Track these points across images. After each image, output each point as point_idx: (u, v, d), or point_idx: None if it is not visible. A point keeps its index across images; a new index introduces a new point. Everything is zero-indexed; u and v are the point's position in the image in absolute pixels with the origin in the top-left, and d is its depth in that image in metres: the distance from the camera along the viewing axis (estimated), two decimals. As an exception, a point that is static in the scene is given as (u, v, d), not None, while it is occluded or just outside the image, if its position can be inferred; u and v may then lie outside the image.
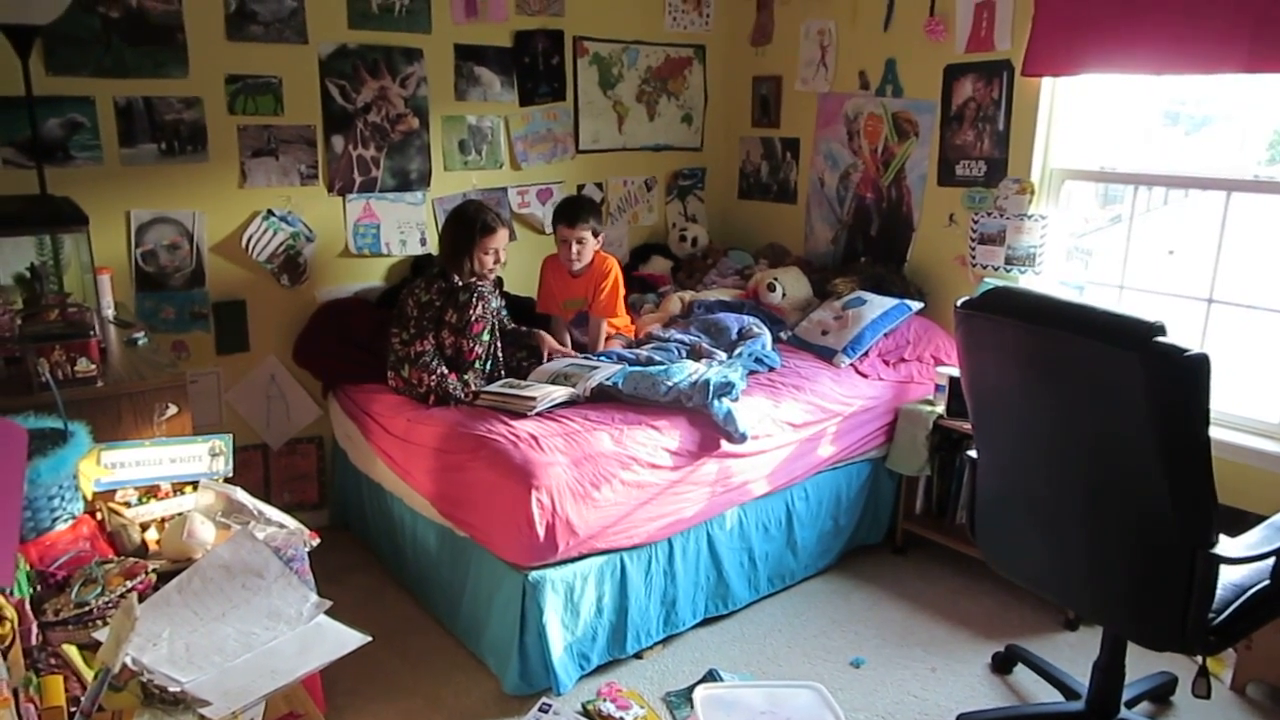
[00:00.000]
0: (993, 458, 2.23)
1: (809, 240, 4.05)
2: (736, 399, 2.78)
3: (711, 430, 2.71)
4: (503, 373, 2.95)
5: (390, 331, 2.92)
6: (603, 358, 3.07)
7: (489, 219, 2.89)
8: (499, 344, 2.94)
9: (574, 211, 3.19)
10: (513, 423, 2.60)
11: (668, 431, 2.66)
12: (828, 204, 3.97)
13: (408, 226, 3.47)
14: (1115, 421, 1.85)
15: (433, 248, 3.54)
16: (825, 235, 3.99)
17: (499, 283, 3.15)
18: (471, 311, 2.84)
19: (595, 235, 3.24)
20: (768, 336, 3.29)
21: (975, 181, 3.42)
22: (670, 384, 2.76)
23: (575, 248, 3.20)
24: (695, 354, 3.17)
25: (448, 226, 2.98)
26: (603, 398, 2.81)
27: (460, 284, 2.86)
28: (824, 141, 3.95)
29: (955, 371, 3.03)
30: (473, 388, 2.81)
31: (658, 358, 3.05)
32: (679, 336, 3.27)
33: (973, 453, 2.32)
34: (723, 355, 3.14)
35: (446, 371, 2.83)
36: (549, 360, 3.03)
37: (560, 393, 2.76)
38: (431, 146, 3.46)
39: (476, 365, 2.88)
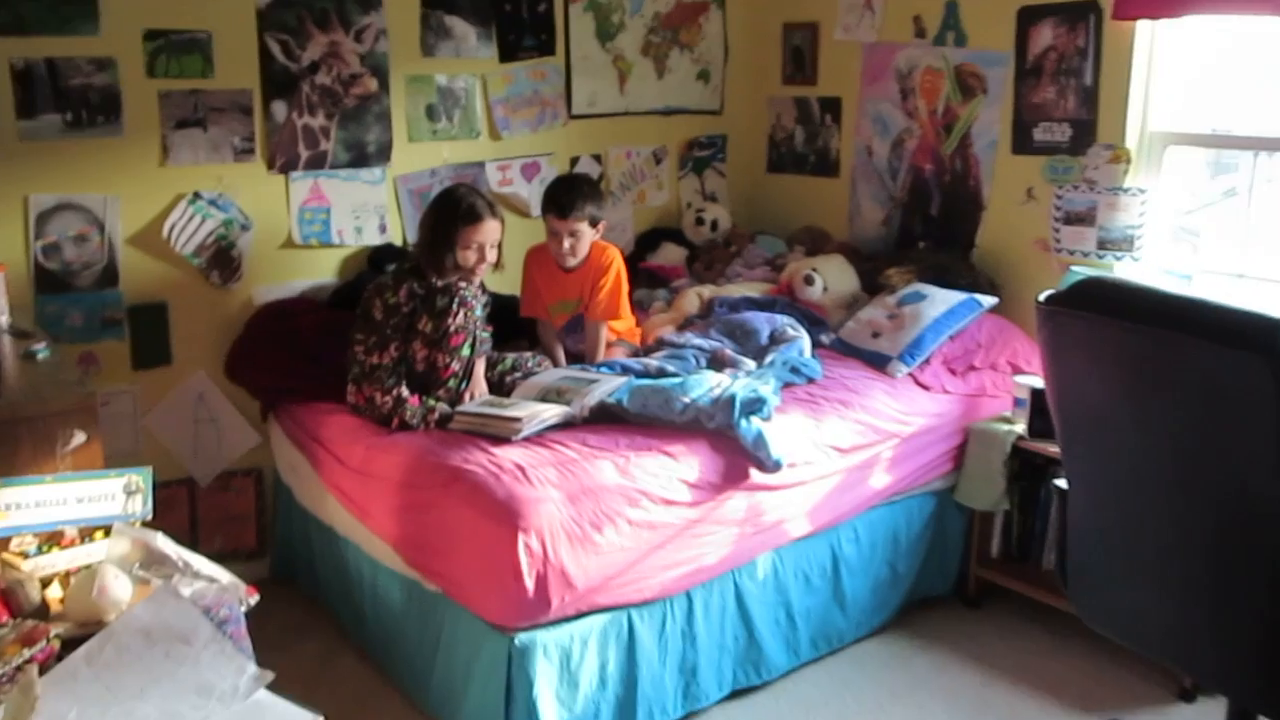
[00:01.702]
0: (1087, 488, 2.22)
1: (855, 222, 4.06)
2: (768, 418, 2.78)
3: (738, 457, 2.71)
4: (474, 392, 2.96)
5: (353, 338, 2.93)
6: (603, 369, 3.07)
7: (476, 205, 2.90)
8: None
9: (567, 198, 3.18)
10: (494, 450, 2.60)
11: (684, 459, 2.66)
12: (877, 178, 3.98)
13: (364, 211, 3.47)
14: (1241, 441, 1.83)
15: (395, 236, 3.56)
16: (875, 216, 4.00)
17: (482, 285, 3.15)
18: (451, 320, 2.85)
19: (593, 225, 3.24)
20: (806, 340, 3.29)
21: (1058, 148, 3.42)
22: (687, 400, 2.76)
23: (568, 242, 3.20)
24: (717, 363, 3.16)
25: (427, 214, 2.99)
26: (604, 418, 2.81)
27: (439, 285, 2.87)
28: (871, 102, 3.96)
29: (1038, 382, 3.03)
30: (437, 415, 2.82)
31: (671, 368, 3.05)
32: (697, 342, 3.27)
33: (1061, 482, 2.30)
34: (751, 364, 3.14)
35: (406, 394, 2.84)
36: (505, 385, 3.04)
37: (552, 412, 2.76)
38: (393, 113, 3.48)
39: (451, 383, 2.89)
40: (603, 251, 3.32)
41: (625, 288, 3.36)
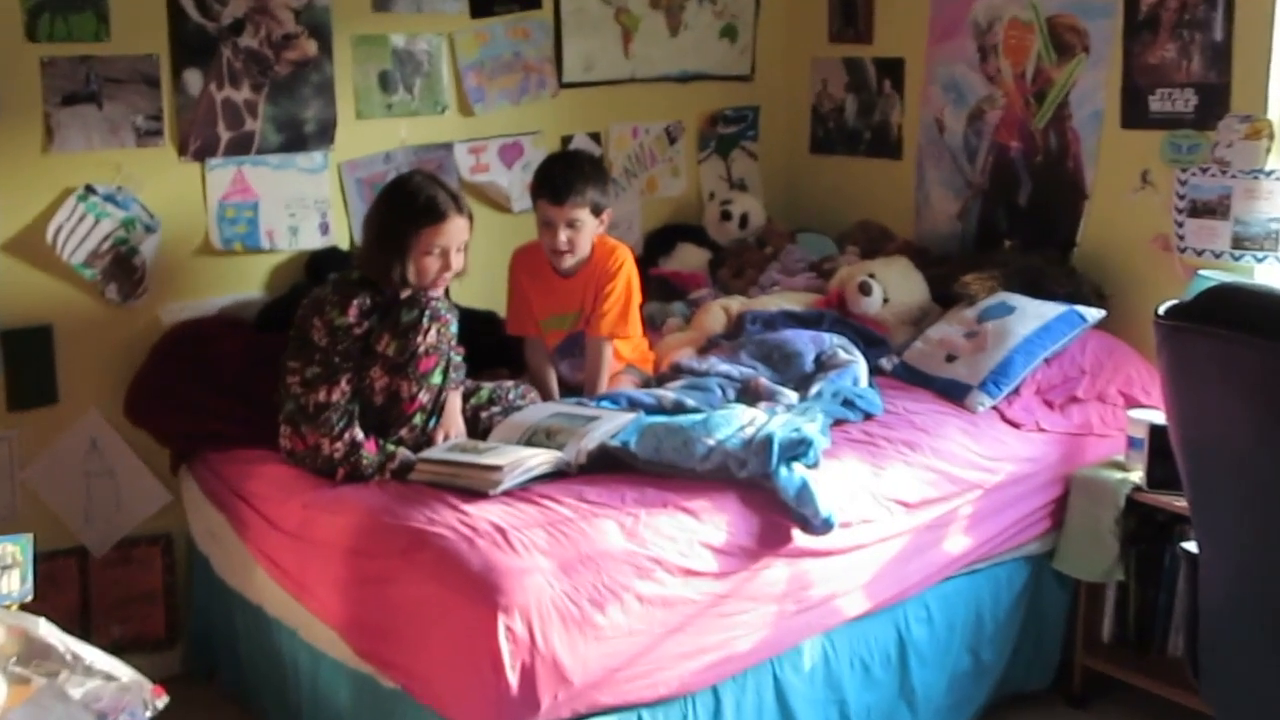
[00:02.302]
0: (1223, 551, 2.20)
1: (923, 215, 4.06)
2: (815, 464, 2.77)
3: (777, 515, 2.70)
4: (449, 432, 2.96)
5: (285, 366, 2.94)
6: (605, 404, 3.07)
7: (437, 199, 2.91)
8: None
9: (563, 178, 3.20)
10: (467, 507, 2.59)
11: (709, 517, 2.65)
12: (950, 159, 3.98)
13: (301, 206, 3.48)
14: None
15: (339, 237, 3.57)
16: (948, 207, 4.00)
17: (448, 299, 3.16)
18: (420, 338, 2.85)
19: (597, 214, 3.26)
20: (862, 366, 3.29)
21: (1180, 121, 3.42)
22: (712, 442, 2.75)
23: (565, 235, 3.22)
24: (749, 395, 3.16)
25: (374, 210, 2.99)
26: (606, 466, 2.80)
27: (404, 295, 2.88)
28: (942, 64, 3.97)
29: (1159, 417, 3.00)
30: (397, 461, 2.82)
31: (690, 402, 3.05)
32: (723, 368, 3.27)
33: (1191, 545, 2.29)
34: (792, 396, 3.13)
35: (361, 437, 2.84)
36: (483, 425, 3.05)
37: (540, 459, 2.76)
38: (337, 84, 3.50)
39: (417, 420, 2.90)
40: (609, 252, 3.33)
41: (637, 299, 3.37)
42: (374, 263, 2.91)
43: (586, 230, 3.24)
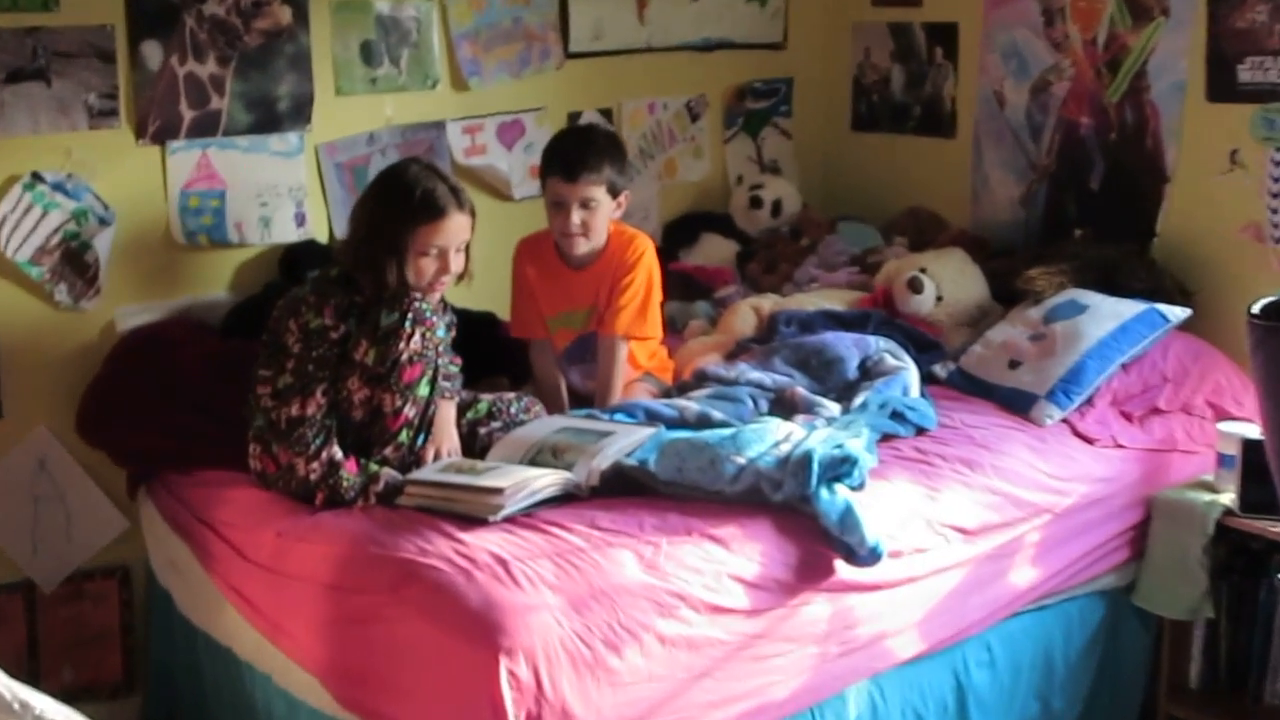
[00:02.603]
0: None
1: (981, 201, 4.06)
2: (860, 485, 2.77)
3: (817, 543, 2.69)
4: (440, 450, 2.95)
5: (257, 376, 2.94)
6: (620, 417, 3.07)
7: (436, 194, 2.91)
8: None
9: (577, 153, 3.22)
10: (463, 535, 2.59)
11: (739, 546, 2.64)
12: (1011, 137, 3.97)
13: (274, 195, 3.49)
14: None
15: (317, 229, 3.57)
16: (1009, 192, 3.99)
17: (444, 302, 3.14)
18: (404, 344, 2.85)
19: (614, 195, 3.27)
20: (913, 373, 3.29)
21: (1274, 93, 3.40)
22: (742, 461, 2.74)
23: (578, 216, 3.23)
24: (785, 406, 3.16)
25: (363, 204, 2.99)
26: (622, 488, 2.81)
27: (385, 296, 2.89)
28: (1002, 29, 3.96)
29: (1253, 430, 2.99)
30: (381, 485, 2.82)
31: (717, 415, 3.04)
32: (754, 376, 3.27)
33: (1292, 576, 2.27)
34: (833, 408, 3.13)
35: (340, 456, 2.84)
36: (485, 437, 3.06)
37: (547, 481, 2.75)
38: (314, 55, 3.50)
39: (403, 436, 2.89)
40: (628, 241, 3.34)
41: (658, 296, 3.37)
42: (362, 263, 2.91)
43: (602, 213, 3.25)
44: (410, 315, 2.84)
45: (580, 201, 3.21)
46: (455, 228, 2.92)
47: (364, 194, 3.03)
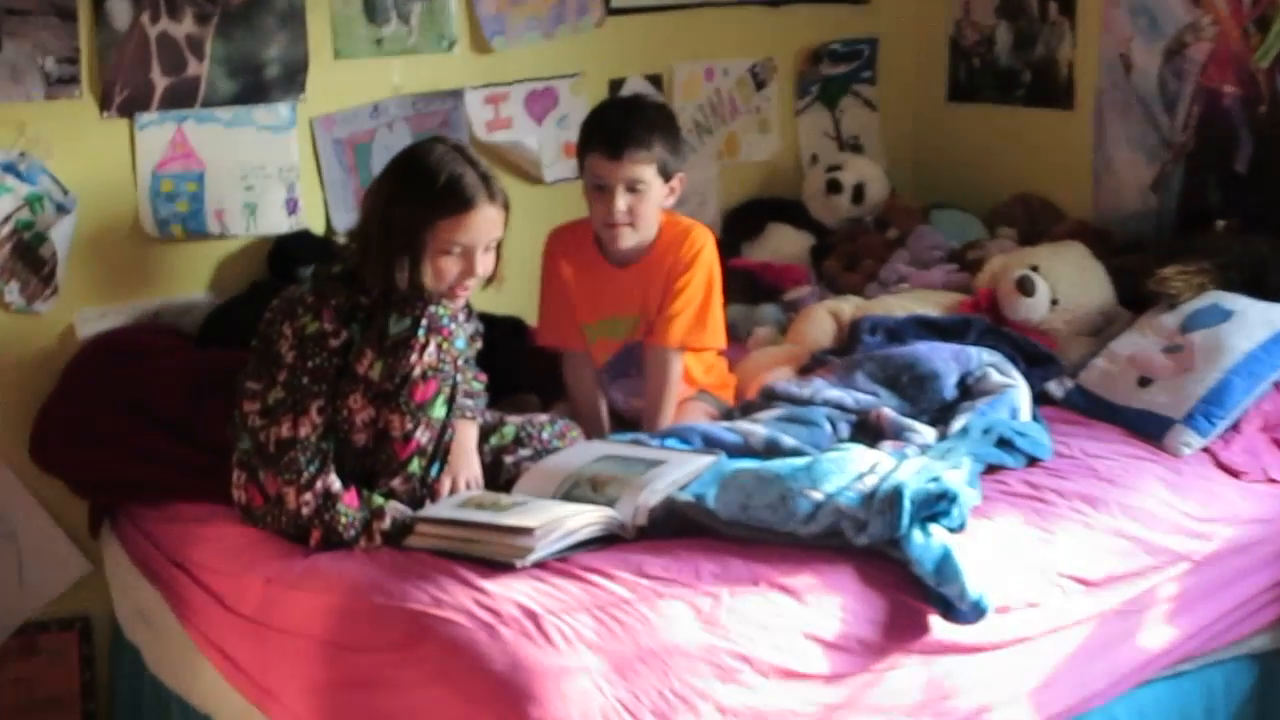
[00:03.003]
0: None
1: (1103, 186, 4.05)
2: (961, 526, 2.75)
3: (908, 595, 2.69)
4: (458, 481, 2.96)
5: (244, 390, 2.96)
6: (673, 443, 3.07)
7: (464, 181, 2.90)
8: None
9: (621, 126, 3.23)
10: (485, 583, 2.58)
11: (815, 599, 2.63)
12: (1140, 109, 3.96)
13: (261, 176, 3.50)
14: None
15: (312, 218, 3.59)
16: (1138, 175, 3.98)
17: (469, 308, 3.15)
18: (416, 356, 2.84)
19: (665, 178, 3.27)
20: (1023, 392, 3.28)
21: None
22: (819, 497, 2.73)
23: (624, 201, 3.23)
24: (869, 430, 3.16)
25: (378, 190, 2.99)
26: (675, 528, 2.80)
27: (395, 298, 2.89)
28: (1129, -19, 3.96)
29: None
30: (388, 522, 2.81)
31: (789, 440, 3.04)
32: (832, 393, 3.26)
33: None
34: (927, 433, 3.13)
35: (337, 487, 2.84)
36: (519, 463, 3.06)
37: (585, 519, 2.75)
38: (309, 11, 3.51)
39: (414, 466, 2.89)
40: (684, 233, 3.34)
41: (719, 297, 3.38)
42: (373, 260, 2.91)
43: (651, 198, 3.25)
44: (425, 323, 2.84)
45: (626, 184, 3.20)
46: (485, 222, 2.92)
47: (379, 178, 3.03)
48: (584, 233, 3.36)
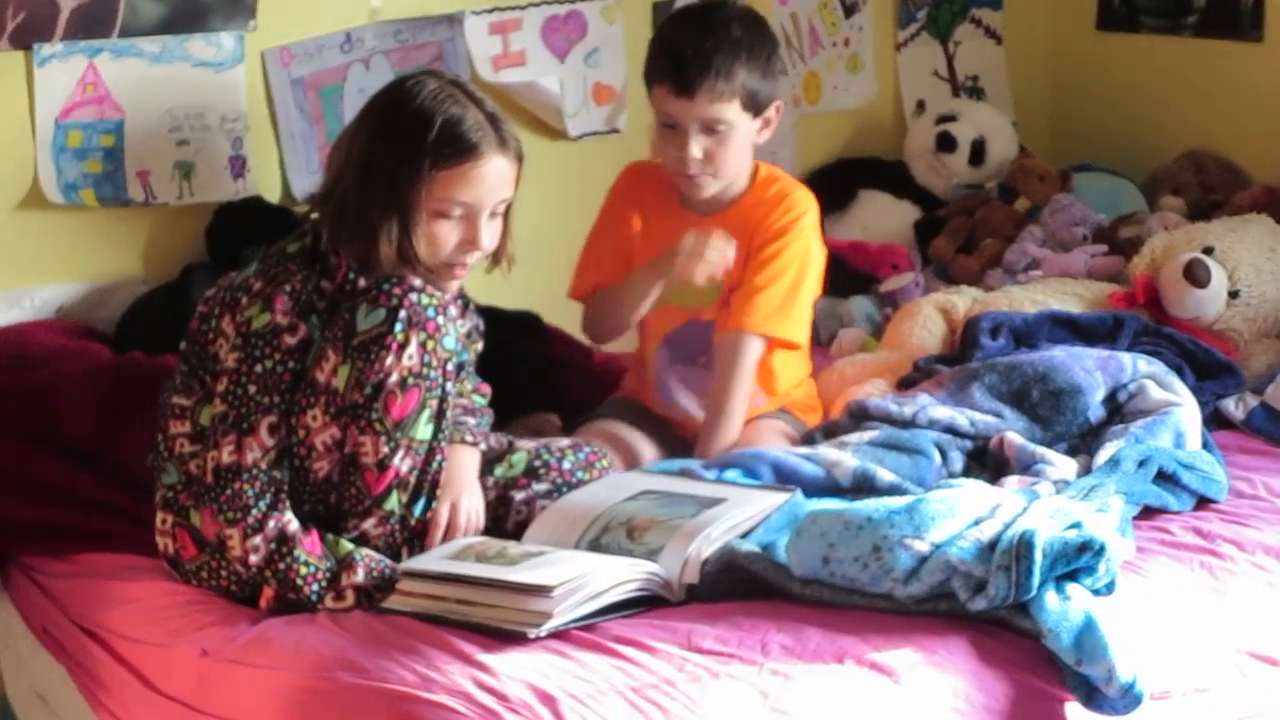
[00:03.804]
0: None
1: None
2: (1110, 587, 2.77)
3: (1040, 676, 2.69)
4: (456, 524, 3.00)
5: (169, 406, 2.99)
6: (734, 475, 3.10)
7: (464, 124, 2.93)
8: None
9: (694, 51, 3.25)
10: (486, 658, 2.59)
11: (917, 680, 2.62)
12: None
13: (198, 126, 3.56)
14: None
15: (262, 182, 3.65)
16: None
17: (464, 299, 3.20)
18: (393, 358, 2.86)
19: (755, 111, 3.33)
20: (1190, 411, 3.29)
21: None
22: (924, 548, 2.75)
23: (699, 145, 3.28)
24: (989, 461, 3.19)
25: (354, 134, 3.02)
26: (735, 588, 2.82)
27: (367, 283, 2.92)
28: None
29: None
30: (360, 575, 2.84)
31: (885, 474, 3.07)
32: (940, 412, 3.30)
33: None
34: (1065, 466, 3.15)
35: (295, 527, 2.87)
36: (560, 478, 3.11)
37: (618, 575, 2.77)
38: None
39: (391, 503, 2.92)
40: (784, 194, 3.42)
41: (816, 278, 3.43)
42: (348, 226, 2.94)
43: (737, 139, 3.32)
44: (404, 314, 2.85)
45: (702, 125, 3.27)
46: (492, 177, 2.95)
47: (353, 122, 3.05)
48: (665, 176, 3.41)
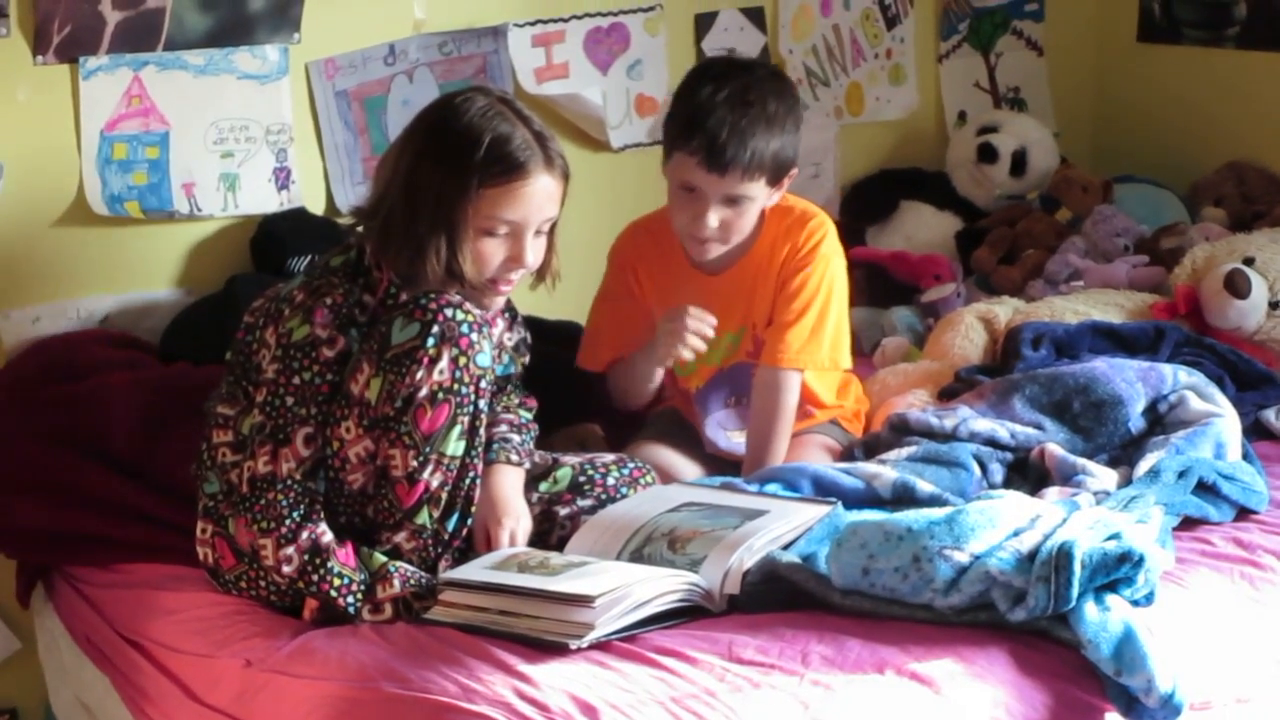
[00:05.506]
0: None
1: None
2: (1149, 598, 2.75)
3: (1078, 686, 2.68)
4: (495, 537, 3.00)
5: (213, 415, 2.99)
6: (775, 488, 3.09)
7: (512, 142, 2.93)
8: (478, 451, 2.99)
9: (730, 134, 3.20)
10: (528, 668, 2.59)
11: (956, 691, 2.60)
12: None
13: (243, 139, 3.56)
14: None
15: (307, 194, 3.65)
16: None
17: (513, 312, 3.21)
18: (424, 372, 2.86)
19: (775, 182, 3.30)
20: (1231, 422, 3.28)
21: None
22: (964, 559, 2.73)
23: (717, 216, 3.26)
24: (1030, 472, 3.18)
25: (401, 151, 3.02)
26: (777, 598, 2.82)
27: (405, 298, 2.92)
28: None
29: None
30: (396, 585, 2.84)
31: (925, 485, 3.07)
32: (981, 424, 3.29)
33: None
34: (1106, 477, 3.14)
35: (328, 539, 2.87)
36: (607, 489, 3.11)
37: (660, 586, 2.77)
38: (304, -72, 3.57)
39: (423, 517, 2.92)
40: (799, 222, 3.39)
41: (843, 302, 3.40)
42: (394, 242, 2.94)
43: (755, 209, 3.30)
44: (437, 330, 2.84)
45: (726, 199, 3.25)
46: (540, 195, 2.95)
47: (400, 138, 3.05)
48: (662, 229, 3.40)
